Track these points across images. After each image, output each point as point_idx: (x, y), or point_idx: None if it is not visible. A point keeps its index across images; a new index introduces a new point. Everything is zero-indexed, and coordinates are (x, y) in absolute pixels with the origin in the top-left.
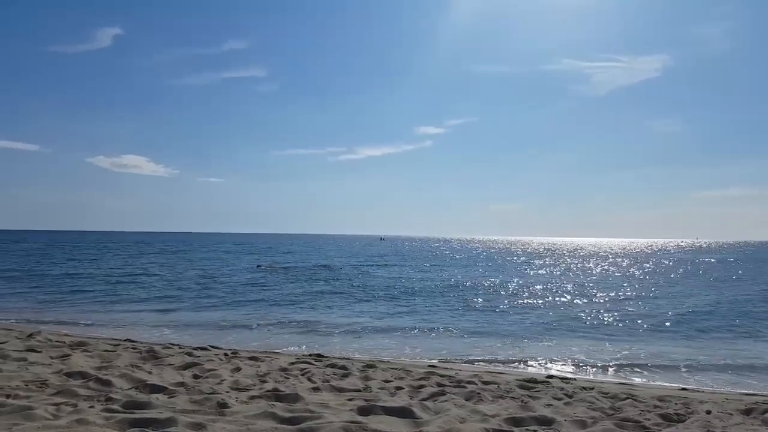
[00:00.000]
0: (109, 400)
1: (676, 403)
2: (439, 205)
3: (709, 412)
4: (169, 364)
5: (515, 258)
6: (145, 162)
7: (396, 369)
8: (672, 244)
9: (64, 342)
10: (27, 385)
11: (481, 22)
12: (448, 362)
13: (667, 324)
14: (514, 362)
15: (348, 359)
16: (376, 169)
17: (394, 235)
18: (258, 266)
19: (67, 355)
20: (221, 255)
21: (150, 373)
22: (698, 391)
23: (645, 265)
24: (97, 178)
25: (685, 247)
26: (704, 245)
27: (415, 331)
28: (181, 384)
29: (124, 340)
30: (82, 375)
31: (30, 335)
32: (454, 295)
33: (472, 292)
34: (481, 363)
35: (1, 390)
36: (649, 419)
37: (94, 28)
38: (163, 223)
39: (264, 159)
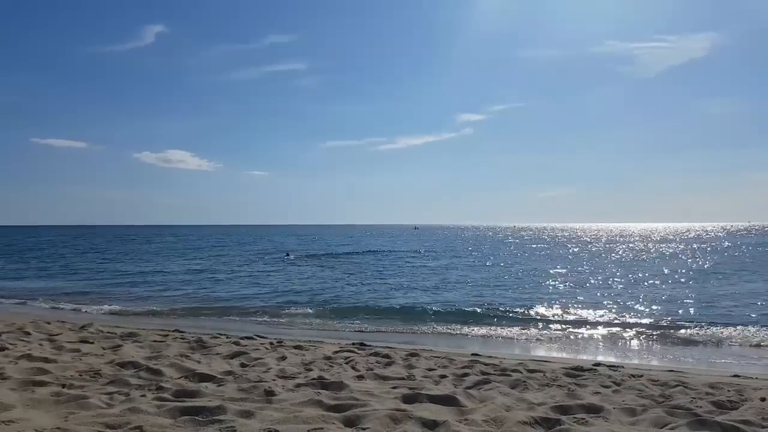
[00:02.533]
0: (159, 389)
1: (728, 390)
2: (481, 193)
3: (763, 399)
4: (217, 354)
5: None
6: (189, 156)
7: (439, 357)
8: (725, 228)
9: (115, 333)
10: (81, 375)
11: (523, 4)
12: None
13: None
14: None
15: (391, 348)
16: (416, 159)
17: (431, 225)
18: (287, 255)
19: (119, 346)
20: (267, 245)
21: (199, 362)
22: (752, 377)
23: (694, 249)
24: (144, 174)
25: (735, 231)
26: (757, 228)
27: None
28: (229, 373)
29: (173, 331)
30: (134, 365)
31: (82, 327)
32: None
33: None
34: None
35: (57, 380)
36: (701, 407)
37: (138, 26)
38: (210, 216)
39: (305, 151)
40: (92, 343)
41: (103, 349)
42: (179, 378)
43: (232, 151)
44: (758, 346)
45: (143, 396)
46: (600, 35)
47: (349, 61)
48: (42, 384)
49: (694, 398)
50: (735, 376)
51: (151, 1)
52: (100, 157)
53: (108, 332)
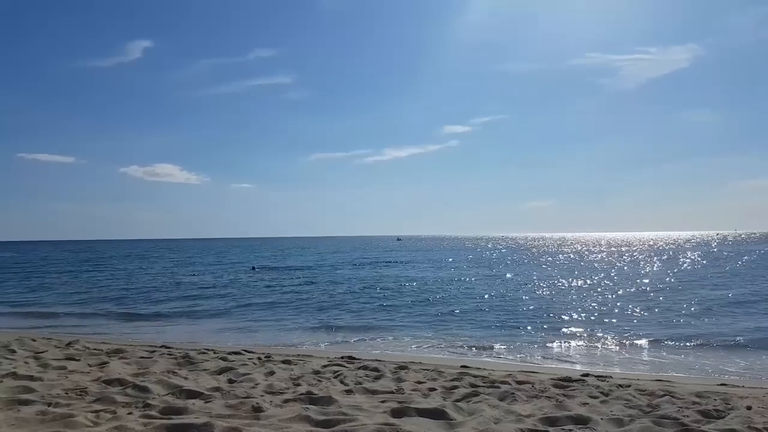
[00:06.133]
0: (146, 406)
1: (715, 399)
2: (466, 204)
3: (749, 408)
4: (204, 369)
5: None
6: (177, 170)
7: (428, 370)
8: (709, 237)
9: (102, 350)
10: (67, 393)
11: (505, 18)
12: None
13: (702, 317)
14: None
15: (380, 361)
16: (402, 170)
17: (414, 236)
18: (252, 268)
19: (105, 363)
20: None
21: (186, 378)
22: (738, 386)
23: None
24: (132, 188)
25: (712, 239)
26: (743, 236)
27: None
28: (217, 389)
29: (160, 346)
30: (120, 382)
31: (68, 344)
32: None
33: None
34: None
35: (42, 398)
36: (687, 416)
37: (125, 41)
38: (197, 230)
39: (292, 164)
40: (78, 360)
41: (90, 366)
42: (166, 395)
43: (219, 164)
44: (742, 354)
45: (130, 413)
46: (581, 48)
47: (335, 75)
48: (27, 403)
49: (681, 407)
50: (722, 384)
51: (138, 17)
52: (87, 171)
53: (94, 349)
